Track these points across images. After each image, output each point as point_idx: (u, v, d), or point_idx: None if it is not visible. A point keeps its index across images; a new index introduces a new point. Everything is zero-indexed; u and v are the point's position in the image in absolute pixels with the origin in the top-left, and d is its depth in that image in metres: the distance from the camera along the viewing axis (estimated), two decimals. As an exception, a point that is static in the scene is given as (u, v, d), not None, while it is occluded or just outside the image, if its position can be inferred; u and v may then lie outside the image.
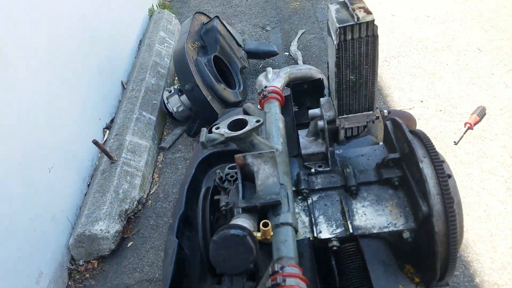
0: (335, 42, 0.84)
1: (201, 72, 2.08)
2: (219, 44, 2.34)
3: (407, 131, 0.94)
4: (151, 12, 3.70)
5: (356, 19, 0.80)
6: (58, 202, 1.91)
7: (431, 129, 2.15)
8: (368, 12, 0.81)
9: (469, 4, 3.06)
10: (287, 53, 3.07)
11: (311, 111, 1.07)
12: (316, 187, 0.99)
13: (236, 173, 0.93)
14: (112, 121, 2.48)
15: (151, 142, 2.31)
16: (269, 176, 0.86)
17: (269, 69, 1.29)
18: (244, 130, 0.88)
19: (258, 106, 1.26)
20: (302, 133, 1.13)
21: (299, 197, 0.98)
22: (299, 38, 3.18)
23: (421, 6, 3.17)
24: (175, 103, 2.39)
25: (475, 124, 2.08)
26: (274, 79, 1.25)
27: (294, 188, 0.99)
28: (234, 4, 3.88)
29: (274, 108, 1.14)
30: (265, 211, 0.85)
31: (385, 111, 1.36)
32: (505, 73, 2.37)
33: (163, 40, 3.11)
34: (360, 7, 0.82)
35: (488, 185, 1.82)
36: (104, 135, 2.37)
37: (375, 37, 0.82)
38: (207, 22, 2.41)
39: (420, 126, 2.19)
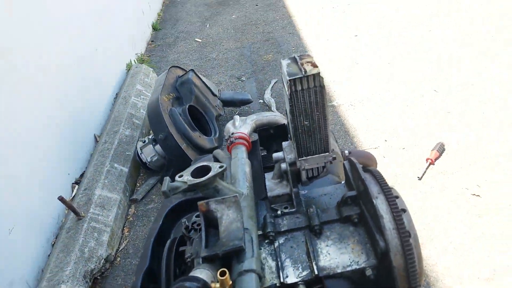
0: (287, 93, 0.89)
1: (175, 122, 2.12)
2: (194, 94, 2.41)
3: (360, 170, 0.98)
4: (129, 67, 3.79)
5: (303, 72, 0.86)
6: (18, 266, 1.78)
7: (396, 166, 2.22)
8: (314, 65, 0.87)
9: (422, 47, 3.28)
10: (262, 101, 3.17)
11: (275, 155, 1.10)
12: (282, 229, 1.00)
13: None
14: (82, 175, 2.44)
15: (121, 195, 2.28)
16: (233, 221, 0.87)
17: (236, 117, 1.34)
18: (207, 176, 0.90)
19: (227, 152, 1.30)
20: (268, 176, 1.16)
21: (266, 241, 0.99)
22: (272, 87, 3.30)
23: (383, 52, 3.38)
24: (149, 153, 2.40)
25: (436, 159, 2.17)
26: (241, 126, 1.30)
27: (260, 232, 0.99)
28: (211, 57, 4.03)
29: (240, 153, 1.17)
30: (229, 259, 0.85)
31: (346, 151, 1.41)
32: (460, 112, 2.52)
33: (139, 93, 3.18)
34: (307, 62, 0.89)
35: (453, 217, 1.86)
36: (73, 191, 2.33)
37: (322, 87, 0.88)
38: (183, 75, 2.50)
39: (386, 164, 2.27)
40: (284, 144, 1.10)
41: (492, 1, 3.75)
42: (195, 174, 0.94)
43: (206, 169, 0.94)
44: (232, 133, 1.24)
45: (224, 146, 2.60)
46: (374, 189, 0.93)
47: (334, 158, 1.06)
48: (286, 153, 1.06)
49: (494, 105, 2.51)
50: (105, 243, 1.99)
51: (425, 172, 2.11)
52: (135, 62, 3.98)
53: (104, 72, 3.28)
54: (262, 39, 4.11)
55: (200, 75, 2.57)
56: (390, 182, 2.08)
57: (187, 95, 2.38)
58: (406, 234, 0.88)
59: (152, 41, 4.78)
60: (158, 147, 2.33)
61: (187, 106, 2.29)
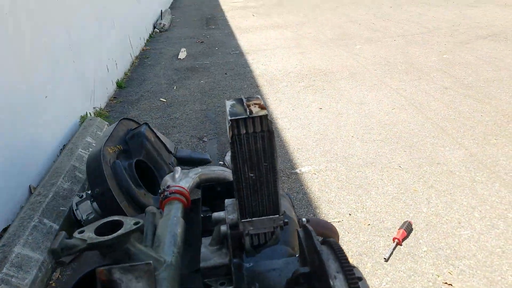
0: (228, 136, 0.74)
1: (116, 175, 1.89)
2: (144, 149, 2.22)
3: (316, 240, 0.80)
4: (83, 119, 3.60)
5: (248, 113, 0.72)
6: None
7: (361, 243, 2.05)
8: (262, 107, 0.74)
9: (388, 126, 3.33)
10: (222, 162, 3.02)
11: (215, 214, 0.91)
12: (214, 315, 0.77)
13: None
14: (5, 229, 2.10)
15: (46, 256, 1.94)
16: (141, 297, 0.65)
17: (177, 168, 1.15)
18: (114, 234, 0.68)
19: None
20: (205, 242, 0.95)
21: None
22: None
23: (345, 127, 3.39)
24: (86, 210, 2.12)
25: (403, 239, 2.02)
26: (181, 179, 1.11)
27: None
28: (174, 117, 3.92)
29: (174, 211, 0.97)
30: None
31: (304, 219, 1.23)
32: (426, 189, 2.45)
33: (88, 145, 2.94)
34: (255, 103, 0.75)
35: (423, 307, 1.66)
36: (-9, 247, 1.97)
37: (270, 132, 0.74)
38: (135, 128, 2.32)
39: (349, 240, 2.09)
40: (227, 202, 0.91)
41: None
42: (100, 230, 0.72)
43: (117, 225, 0.72)
44: (168, 186, 1.05)
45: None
46: (332, 266, 0.74)
47: (286, 223, 0.88)
48: (228, 212, 0.87)
49: (462, 187, 2.47)
50: (12, 315, 1.61)
51: (392, 252, 1.94)
52: (90, 114, 3.79)
53: (52, 120, 3.06)
54: (229, 104, 4.09)
55: (155, 130, 2.40)
56: (353, 261, 1.89)
57: (137, 149, 2.18)
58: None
59: (114, 97, 4.66)
60: (95, 204, 2.06)
61: (134, 161, 2.08)
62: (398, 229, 2.06)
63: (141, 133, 2.23)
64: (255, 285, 0.81)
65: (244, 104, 0.76)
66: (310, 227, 0.87)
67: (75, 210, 2.13)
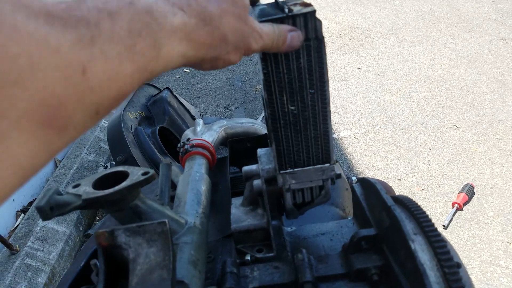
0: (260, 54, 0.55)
1: (140, 142, 1.77)
2: (168, 115, 2.09)
3: (385, 194, 0.62)
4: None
5: (287, 11, 0.52)
6: None
7: (414, 211, 1.84)
8: (306, 4, 0.54)
9: (438, 83, 3.02)
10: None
11: (246, 168, 0.74)
12: (250, 286, 0.62)
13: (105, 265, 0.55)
14: (31, 203, 2.07)
15: (72, 228, 1.88)
16: (155, 267, 0.50)
17: (199, 120, 0.99)
18: (116, 187, 0.53)
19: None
20: (236, 202, 0.79)
21: (223, 304, 0.61)
22: (263, 117, 3.00)
23: (388, 86, 3.11)
24: None
25: (464, 204, 1.79)
26: (203, 133, 0.95)
27: (214, 288, 0.62)
28: (199, 87, 3.78)
29: (196, 167, 0.81)
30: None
31: (354, 178, 1.05)
32: (488, 149, 2.18)
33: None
34: (296, 3, 0.56)
35: (492, 279, 1.46)
36: (17, 220, 1.93)
37: (319, 40, 0.54)
38: (156, 94, 2.19)
39: (401, 207, 1.89)
40: (260, 151, 0.74)
41: None
42: (101, 183, 0.57)
43: (122, 177, 0.57)
44: (188, 139, 0.89)
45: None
46: (408, 226, 0.57)
47: (339, 176, 0.70)
48: (262, 164, 0.70)
49: (528, 144, 2.18)
50: (41, 286, 1.56)
51: (451, 219, 1.73)
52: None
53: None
54: (255, 70, 3.88)
55: (178, 96, 2.26)
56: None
57: (160, 115, 2.05)
58: (468, 306, 0.50)
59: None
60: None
61: (157, 128, 1.96)
62: (458, 193, 1.83)
63: (163, 99, 2.09)
64: (302, 253, 0.64)
65: (280, 4, 0.56)
66: (372, 180, 0.69)
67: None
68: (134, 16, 0.29)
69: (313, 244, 0.72)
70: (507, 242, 1.59)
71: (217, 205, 0.85)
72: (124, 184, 0.54)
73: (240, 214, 0.74)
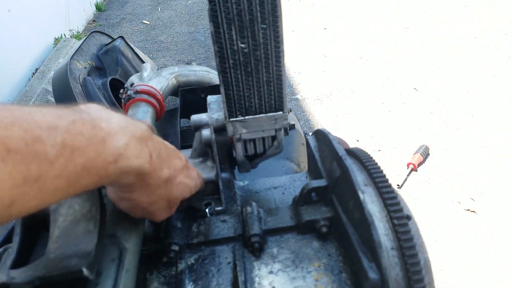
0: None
1: (89, 95, 1.65)
2: (121, 66, 1.96)
3: (336, 144, 0.59)
4: (57, 41, 3.27)
5: None
6: None
7: (371, 171, 1.88)
8: None
9: (401, 46, 3.03)
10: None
11: (195, 117, 0.68)
12: (195, 241, 0.58)
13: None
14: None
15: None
16: (80, 219, 0.45)
17: (146, 65, 0.91)
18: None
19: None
20: (184, 154, 0.74)
21: (164, 260, 0.57)
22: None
23: (353, 48, 3.09)
24: None
25: (419, 165, 1.85)
26: (151, 78, 0.87)
27: (156, 244, 0.58)
28: (159, 40, 3.59)
29: (141, 114, 0.75)
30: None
31: (309, 133, 1.02)
32: (445, 112, 2.24)
33: (61, 69, 2.67)
34: None
35: (444, 237, 1.53)
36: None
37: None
38: (109, 43, 2.04)
39: (358, 167, 1.91)
40: (210, 98, 0.69)
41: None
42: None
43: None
44: (132, 84, 0.81)
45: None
46: (359, 177, 0.54)
47: (292, 127, 0.67)
48: (211, 111, 0.65)
49: (484, 105, 2.25)
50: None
51: (406, 179, 1.78)
52: (64, 36, 3.45)
53: (23, 44, 2.77)
54: (222, 25, 3.72)
55: (133, 46, 2.12)
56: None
57: (112, 66, 1.92)
58: (415, 260, 0.49)
59: (93, 20, 4.27)
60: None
61: (109, 79, 1.83)
62: (413, 154, 1.88)
63: (116, 48, 1.95)
64: (252, 206, 0.61)
65: None
66: (325, 131, 0.65)
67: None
68: (93, 151, 0.34)
69: (264, 198, 0.69)
70: (458, 202, 1.66)
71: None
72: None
73: (187, 166, 0.69)
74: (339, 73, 2.75)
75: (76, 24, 3.90)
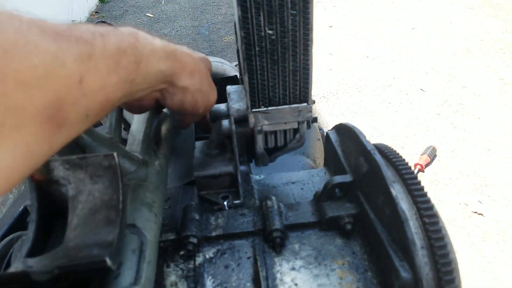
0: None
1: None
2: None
3: (364, 138, 0.57)
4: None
5: None
6: None
7: (377, 171, 1.86)
8: None
9: (407, 46, 3.01)
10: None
11: (213, 107, 0.66)
12: (214, 234, 0.56)
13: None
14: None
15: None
16: (101, 207, 0.42)
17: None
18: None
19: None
20: (200, 146, 0.72)
21: (181, 253, 0.55)
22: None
23: (359, 46, 3.07)
24: None
25: (426, 165, 1.83)
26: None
27: (173, 236, 0.55)
28: (163, 33, 3.56)
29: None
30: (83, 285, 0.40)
31: (324, 129, 1.01)
32: (451, 114, 2.22)
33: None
34: None
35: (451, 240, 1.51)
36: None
37: None
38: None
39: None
40: (230, 88, 0.67)
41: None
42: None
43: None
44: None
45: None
46: (387, 173, 0.52)
47: (315, 120, 0.65)
48: (231, 101, 0.63)
49: (490, 107, 2.24)
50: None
51: (412, 180, 1.76)
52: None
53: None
54: (224, 20, 3.70)
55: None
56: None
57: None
58: (446, 260, 0.47)
59: (96, 12, 4.24)
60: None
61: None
62: (421, 155, 1.86)
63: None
64: (271, 200, 0.59)
65: None
66: (350, 125, 0.63)
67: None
68: (120, 37, 0.36)
69: (282, 193, 0.67)
70: (465, 204, 1.64)
71: (178, 151, 0.77)
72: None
73: (205, 159, 0.67)
74: (346, 72, 2.73)
75: (78, 15, 3.87)
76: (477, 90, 2.43)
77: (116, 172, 0.43)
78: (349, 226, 0.55)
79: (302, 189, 0.68)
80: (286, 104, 0.59)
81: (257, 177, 0.72)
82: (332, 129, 0.71)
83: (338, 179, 0.57)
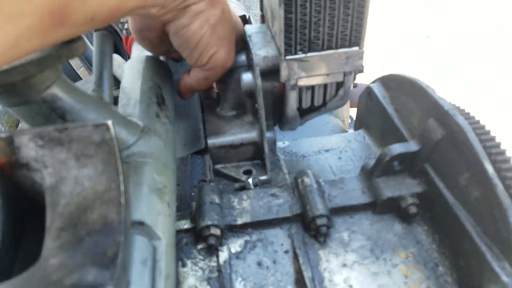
0: None
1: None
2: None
3: (435, 94, 0.45)
4: None
5: None
6: None
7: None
8: None
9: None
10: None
11: (228, 57, 0.52)
12: (239, 221, 0.45)
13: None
14: None
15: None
16: (93, 202, 0.30)
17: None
18: (16, 62, 0.30)
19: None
20: (212, 106, 0.59)
21: (200, 247, 0.43)
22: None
23: None
24: None
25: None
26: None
27: (188, 225, 0.44)
28: None
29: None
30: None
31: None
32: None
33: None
34: None
35: None
36: None
37: None
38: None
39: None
40: (250, 29, 0.53)
41: None
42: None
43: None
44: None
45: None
46: (477, 143, 0.40)
47: (362, 70, 0.52)
48: (255, 47, 0.49)
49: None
50: None
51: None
52: None
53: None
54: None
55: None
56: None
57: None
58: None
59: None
60: None
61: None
62: None
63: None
64: (307, 175, 0.47)
65: None
66: (409, 76, 0.50)
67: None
68: None
69: (316, 164, 0.56)
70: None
71: (181, 110, 0.64)
72: (28, 58, 0.31)
73: (219, 123, 0.54)
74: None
75: None
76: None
77: (113, 150, 0.31)
78: (413, 209, 0.44)
79: (340, 158, 0.56)
80: (332, 48, 0.45)
81: (281, 144, 0.60)
82: (375, 81, 0.58)
83: (399, 148, 0.45)
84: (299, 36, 0.44)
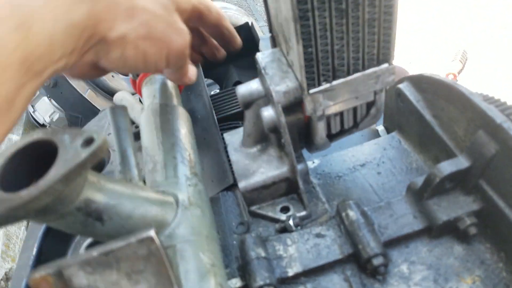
0: None
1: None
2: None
3: (482, 103, 0.41)
4: None
5: None
6: None
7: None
8: None
9: None
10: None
11: (242, 89, 0.49)
12: (290, 272, 0.43)
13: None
14: None
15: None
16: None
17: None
18: (41, 184, 0.28)
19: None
20: (232, 141, 0.56)
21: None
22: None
23: None
24: (46, 110, 1.76)
25: (459, 73, 1.68)
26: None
27: (239, 284, 0.42)
28: None
29: (162, 94, 0.55)
30: None
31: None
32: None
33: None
34: None
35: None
36: None
37: None
38: None
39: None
40: (263, 57, 0.49)
41: None
42: (9, 175, 0.31)
43: (47, 152, 0.31)
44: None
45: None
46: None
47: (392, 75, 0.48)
48: (272, 82, 0.45)
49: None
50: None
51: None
52: None
53: None
54: None
55: None
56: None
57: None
58: None
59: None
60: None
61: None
62: (452, 61, 1.69)
63: None
64: (349, 205, 0.45)
65: None
66: (445, 79, 0.47)
67: (33, 113, 1.79)
68: None
69: (355, 186, 0.53)
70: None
71: (200, 141, 0.62)
72: (53, 174, 0.29)
73: (245, 162, 0.52)
74: None
75: None
76: None
77: (162, 260, 0.29)
78: (473, 231, 0.42)
79: (379, 173, 0.54)
80: (358, 71, 0.42)
81: (310, 164, 0.57)
82: (403, 81, 0.55)
83: (449, 167, 0.42)
84: (321, 67, 0.40)
